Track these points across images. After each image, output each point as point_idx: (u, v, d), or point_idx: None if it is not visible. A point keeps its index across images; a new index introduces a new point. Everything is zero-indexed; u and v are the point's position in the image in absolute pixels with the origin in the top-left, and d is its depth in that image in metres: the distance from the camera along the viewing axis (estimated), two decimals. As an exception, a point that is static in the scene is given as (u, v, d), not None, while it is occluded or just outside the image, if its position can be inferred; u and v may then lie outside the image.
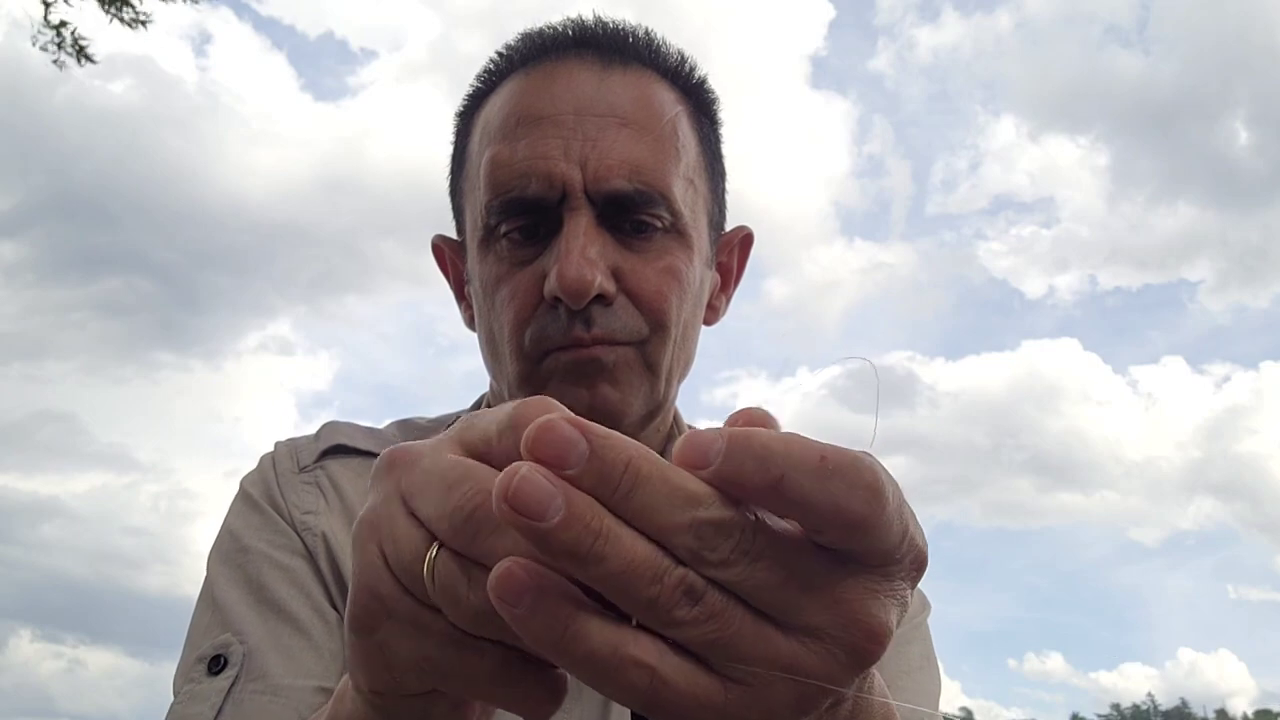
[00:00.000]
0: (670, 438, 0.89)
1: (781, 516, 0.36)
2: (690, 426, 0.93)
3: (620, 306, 0.78)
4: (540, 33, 0.84)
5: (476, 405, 0.93)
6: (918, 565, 0.38)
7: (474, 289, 0.86)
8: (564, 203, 0.76)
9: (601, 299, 0.77)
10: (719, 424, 0.99)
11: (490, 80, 0.87)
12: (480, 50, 0.86)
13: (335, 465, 0.87)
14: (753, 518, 0.35)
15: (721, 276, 0.91)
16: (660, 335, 0.80)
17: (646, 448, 0.36)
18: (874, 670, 0.41)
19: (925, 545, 0.38)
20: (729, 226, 0.93)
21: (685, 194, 0.80)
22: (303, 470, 0.87)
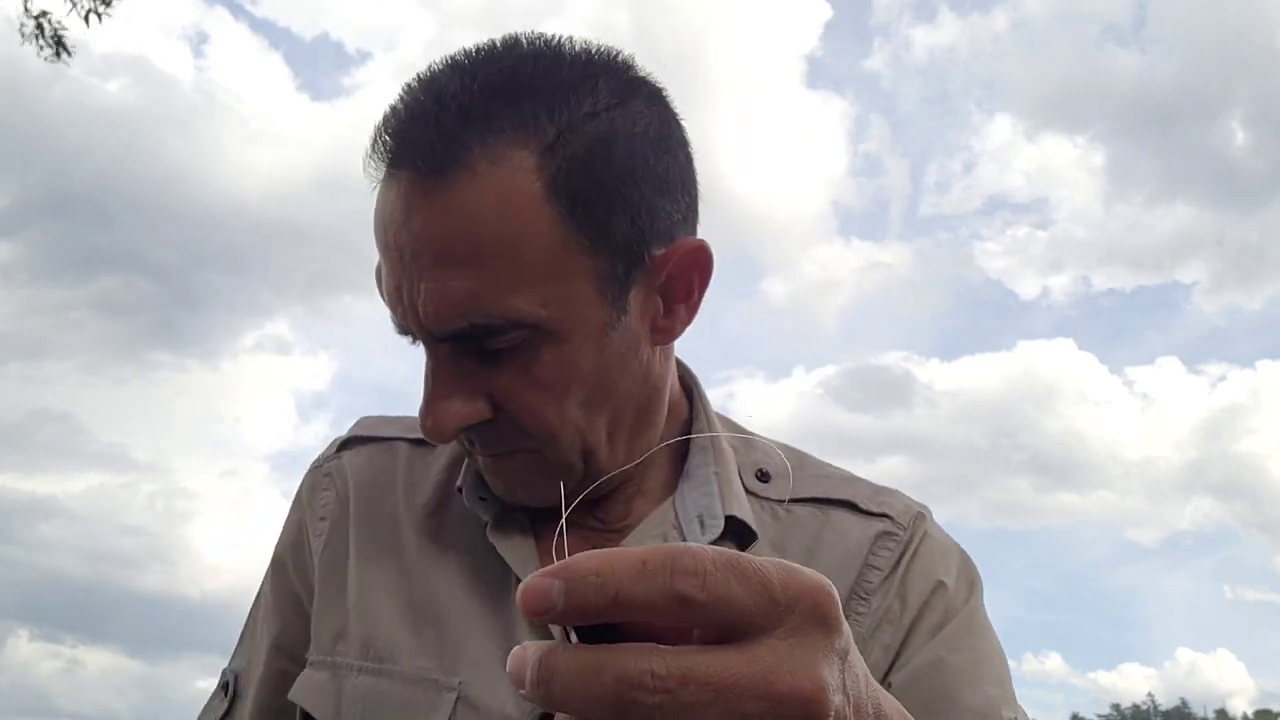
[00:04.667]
0: (687, 430, 0.87)
1: (622, 621, 0.38)
2: (722, 416, 0.91)
3: (503, 423, 0.76)
4: (390, 118, 0.74)
5: None
6: (815, 608, 0.39)
7: None
8: (423, 339, 0.75)
9: (483, 421, 0.75)
10: (733, 418, 0.94)
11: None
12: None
13: (349, 455, 0.93)
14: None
15: (676, 289, 0.78)
16: (552, 442, 0.76)
17: (619, 551, 0.38)
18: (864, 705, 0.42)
19: (816, 580, 0.39)
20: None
21: (545, 292, 0.71)
22: (322, 464, 0.94)
